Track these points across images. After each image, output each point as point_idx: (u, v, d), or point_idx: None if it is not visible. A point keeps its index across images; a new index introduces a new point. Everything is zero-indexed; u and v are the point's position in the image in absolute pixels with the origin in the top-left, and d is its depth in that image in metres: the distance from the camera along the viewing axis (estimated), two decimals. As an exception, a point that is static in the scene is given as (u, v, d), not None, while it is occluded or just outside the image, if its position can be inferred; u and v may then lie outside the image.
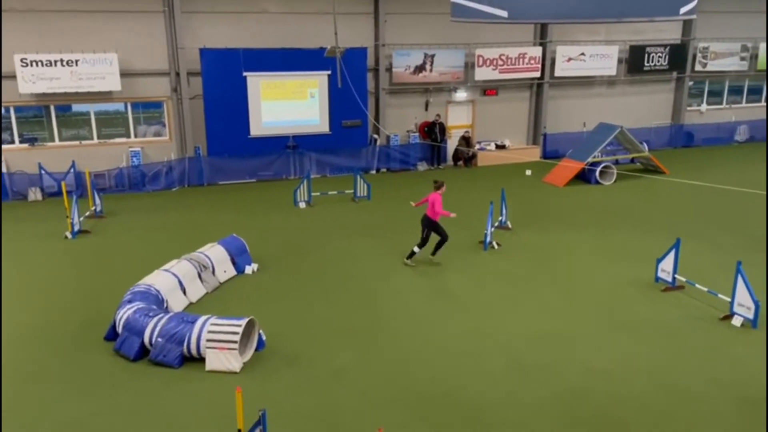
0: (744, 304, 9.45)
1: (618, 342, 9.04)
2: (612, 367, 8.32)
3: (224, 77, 18.60)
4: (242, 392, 5.74)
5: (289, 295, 10.83)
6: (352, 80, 18.47)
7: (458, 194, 17.63)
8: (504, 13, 8.99)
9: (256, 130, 19.37)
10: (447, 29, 19.92)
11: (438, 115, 20.89)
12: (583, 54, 21.98)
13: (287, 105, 19.54)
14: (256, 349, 8.72)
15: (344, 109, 19.59)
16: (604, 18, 9.89)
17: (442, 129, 20.92)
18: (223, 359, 8.25)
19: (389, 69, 20.44)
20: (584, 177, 18.54)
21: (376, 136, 20.73)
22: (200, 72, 18.51)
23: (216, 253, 11.40)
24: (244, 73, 18.78)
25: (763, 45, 24.28)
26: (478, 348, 8.91)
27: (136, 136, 19.21)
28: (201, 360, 8.40)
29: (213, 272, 11.12)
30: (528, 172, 19.42)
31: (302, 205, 16.50)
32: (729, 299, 9.71)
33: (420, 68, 20.51)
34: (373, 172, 20.48)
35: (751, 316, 9.35)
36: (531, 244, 13.32)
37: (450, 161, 21.61)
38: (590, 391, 7.77)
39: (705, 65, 23.79)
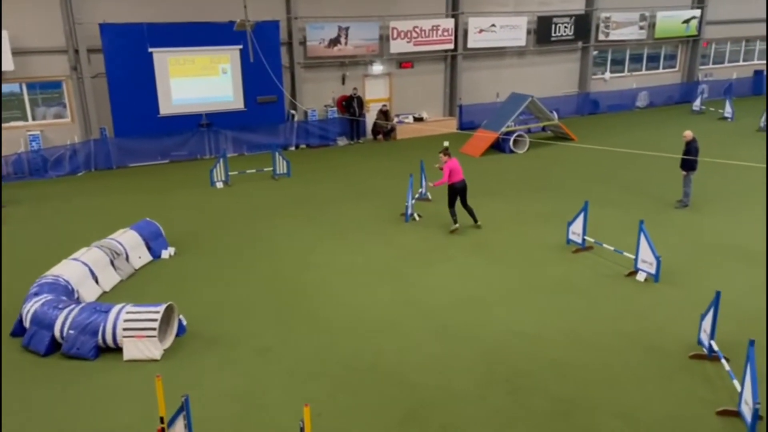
0: (647, 260, 10.08)
1: (533, 302, 9.45)
2: (528, 327, 8.71)
3: (128, 54, 17.68)
4: (164, 379, 5.59)
5: (209, 278, 10.59)
6: (265, 55, 18.02)
7: (379, 168, 17.73)
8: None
9: (165, 108, 18.60)
10: (360, 1, 19.78)
11: (355, 89, 20.79)
12: (493, 25, 22.39)
13: (198, 82, 18.84)
14: (177, 335, 8.51)
15: (259, 84, 19.13)
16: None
17: (360, 103, 20.85)
18: (141, 347, 8.00)
19: (303, 43, 20.08)
20: (499, 146, 19.04)
21: (293, 111, 20.40)
22: (102, 49, 17.50)
23: (129, 239, 10.95)
24: (150, 49, 17.92)
25: (660, 14, 25.55)
26: (402, 317, 9.08)
27: (34, 118, 18.01)
28: (118, 350, 8.11)
29: (127, 259, 10.69)
30: (446, 144, 19.75)
31: (219, 185, 16.07)
32: (633, 256, 10.33)
33: (335, 41, 20.27)
34: (292, 148, 20.20)
35: (653, 271, 9.99)
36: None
37: (369, 135, 21.62)
38: (508, 351, 8.11)
39: (607, 35, 24.82)
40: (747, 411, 6.37)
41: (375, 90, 21.88)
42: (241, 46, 18.45)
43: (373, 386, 7.41)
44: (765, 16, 28.15)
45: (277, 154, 16.75)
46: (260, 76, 18.71)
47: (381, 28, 20.86)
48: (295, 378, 7.62)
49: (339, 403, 7.09)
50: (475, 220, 12.64)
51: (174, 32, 18.05)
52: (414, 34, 21.15)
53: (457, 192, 12.42)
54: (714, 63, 28.50)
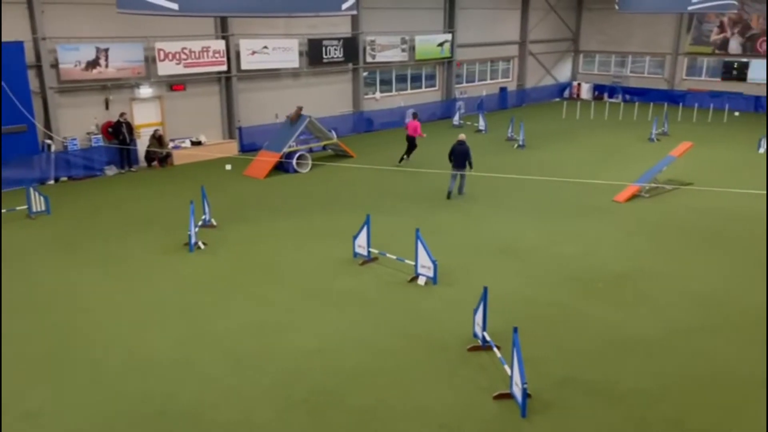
0: (425, 265, 10.85)
1: (326, 319, 9.60)
2: (323, 344, 8.81)
3: None
4: None
5: (-48, 342, 8.94)
6: (7, 79, 15.94)
7: (156, 197, 16.65)
8: (174, 5, 8.63)
9: None
10: (120, 21, 18.45)
11: (122, 114, 19.31)
12: (266, 47, 22.47)
13: None
14: None
15: (3, 113, 16.79)
16: (273, 13, 10.27)
17: (130, 128, 19.41)
18: None
19: (55, 65, 18.12)
20: (283, 167, 19.12)
21: (49, 141, 18.27)
22: None
23: None
24: None
25: (418, 38, 27.85)
26: (194, 352, 8.58)
27: None
28: None
29: None
30: (228, 167, 19.31)
31: (-40, 230, 13.73)
32: (414, 263, 11.04)
33: (93, 64, 18.62)
34: (52, 182, 18.06)
35: (431, 274, 10.78)
36: (239, 238, 13.27)
37: (143, 162, 20.21)
38: (305, 371, 8.11)
39: (374, 57, 26.40)
40: (518, 391, 7.15)
41: (145, 114, 20.57)
42: (-24, 70, 16.07)
43: (164, 434, 6.87)
44: (507, 40, 32.35)
45: (31, 189, 14.82)
46: (4, 103, 16.47)
47: (146, 49, 19.70)
48: (72, 441, 6.75)
49: (126, 460, 6.44)
50: (404, 157, 19.92)
51: None
52: (183, 56, 20.34)
53: (407, 141, 19.91)
54: (467, 81, 31.89)
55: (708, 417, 7.13)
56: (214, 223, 14.03)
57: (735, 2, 21.09)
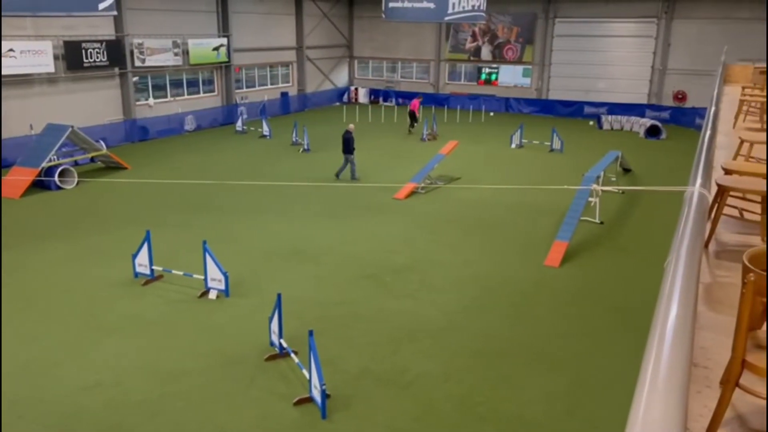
0: (216, 278, 10.43)
1: (107, 348, 8.74)
2: (104, 376, 8.00)
3: None
4: None
5: None
6: None
7: None
8: None
9: None
10: None
11: None
12: (11, 50, 19.74)
13: None
14: None
15: None
16: (12, 12, 9.01)
17: None
18: None
19: None
20: (43, 184, 16.98)
21: None
22: None
23: None
24: None
25: (191, 41, 26.68)
26: (-64, 413, 7.20)
27: None
28: None
29: None
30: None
31: None
32: (203, 277, 10.54)
33: None
34: None
35: (223, 287, 10.40)
36: (-11, 270, 11.47)
37: None
38: (85, 410, 7.29)
39: (144, 61, 24.69)
40: (317, 394, 7.21)
41: None
42: None
43: None
44: (284, 45, 32.49)
45: None
46: None
47: None
48: None
49: None
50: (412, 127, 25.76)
51: None
52: None
53: (410, 116, 25.76)
54: (247, 87, 31.39)
55: (490, 389, 7.89)
56: (-43, 255, 11.97)
57: (483, 14, 23.73)
